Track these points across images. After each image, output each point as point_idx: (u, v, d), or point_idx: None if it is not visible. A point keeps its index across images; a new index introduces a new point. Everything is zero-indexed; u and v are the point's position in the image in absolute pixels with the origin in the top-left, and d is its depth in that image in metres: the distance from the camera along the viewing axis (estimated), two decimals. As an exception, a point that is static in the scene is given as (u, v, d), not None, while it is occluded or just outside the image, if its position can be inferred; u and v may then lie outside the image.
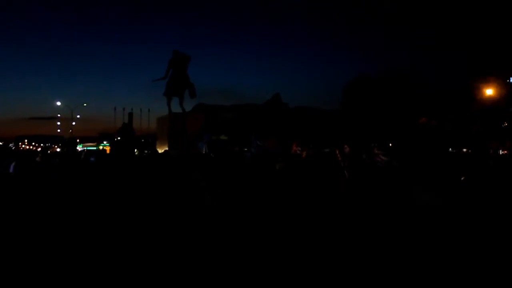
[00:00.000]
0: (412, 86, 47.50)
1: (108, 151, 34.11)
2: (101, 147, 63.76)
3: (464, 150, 44.22)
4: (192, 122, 24.13)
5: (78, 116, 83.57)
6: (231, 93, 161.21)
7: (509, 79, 38.91)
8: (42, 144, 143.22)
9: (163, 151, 17.48)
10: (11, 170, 11.72)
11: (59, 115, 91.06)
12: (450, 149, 45.73)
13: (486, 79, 40.16)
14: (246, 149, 21.54)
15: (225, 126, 53.97)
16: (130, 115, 43.59)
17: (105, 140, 75.58)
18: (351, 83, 56.13)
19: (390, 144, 46.21)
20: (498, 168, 12.28)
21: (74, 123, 75.24)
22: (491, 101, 39.41)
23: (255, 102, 69.01)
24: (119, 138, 29.23)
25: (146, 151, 28.91)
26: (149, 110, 64.36)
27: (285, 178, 11.59)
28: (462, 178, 11.19)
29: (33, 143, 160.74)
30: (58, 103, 71.15)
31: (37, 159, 11.48)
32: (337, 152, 13.47)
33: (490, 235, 6.99)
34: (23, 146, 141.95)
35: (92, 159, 14.30)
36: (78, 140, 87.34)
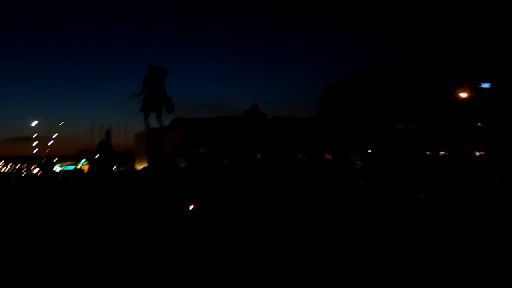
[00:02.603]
0: (389, 88, 47.97)
1: (86, 170, 33.67)
2: (79, 166, 63.02)
3: (442, 153, 44.85)
4: (170, 137, 23.91)
5: (56, 135, 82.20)
6: (208, 105, 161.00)
7: (481, 84, 39.81)
8: (19, 165, 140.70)
9: (141, 168, 17.29)
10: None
11: (35, 135, 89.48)
12: (428, 152, 46.32)
13: (460, 82, 40.94)
14: (226, 162, 21.53)
15: (204, 139, 53.93)
16: (108, 132, 43.09)
17: (83, 158, 74.67)
18: (327, 89, 56.34)
19: (369, 151, 46.66)
20: (474, 171, 12.50)
21: (51, 142, 74.10)
22: (466, 104, 40.15)
23: (234, 114, 69.21)
24: (97, 156, 28.94)
25: (124, 168, 28.65)
26: (126, 126, 63.96)
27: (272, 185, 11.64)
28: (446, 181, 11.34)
29: (10, 164, 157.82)
30: (34, 123, 70.01)
31: (12, 181, 11.27)
32: (317, 160, 13.59)
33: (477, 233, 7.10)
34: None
35: (69, 179, 14.11)
36: (56, 160, 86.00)
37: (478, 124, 40.90)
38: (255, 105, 65.86)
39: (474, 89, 40.53)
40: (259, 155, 15.68)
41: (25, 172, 75.35)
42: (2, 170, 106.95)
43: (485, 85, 39.64)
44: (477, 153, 40.49)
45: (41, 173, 32.60)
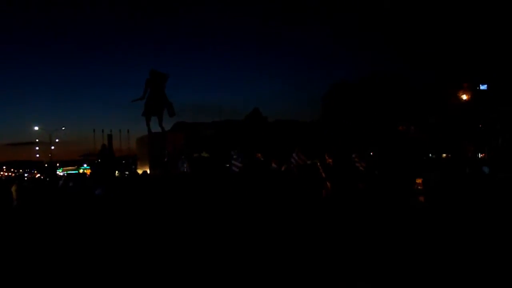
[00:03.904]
0: (390, 91, 48.13)
1: (88, 174, 33.67)
2: (81, 171, 62.99)
3: (444, 155, 44.81)
4: (172, 141, 23.96)
5: (57, 140, 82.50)
6: (210, 109, 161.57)
7: (479, 86, 40.01)
8: (20, 170, 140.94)
9: (142, 172, 17.27)
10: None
11: (37, 140, 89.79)
12: (430, 155, 46.29)
13: (460, 85, 41.05)
14: (228, 165, 21.49)
15: (206, 143, 53.97)
16: (109, 136, 43.23)
17: (85, 163, 74.75)
18: (329, 92, 56.59)
19: (371, 153, 46.62)
20: (475, 174, 12.45)
21: (53, 147, 74.29)
22: (466, 106, 40.24)
23: (235, 118, 69.37)
24: (99, 160, 29.02)
25: (126, 173, 28.62)
26: (128, 131, 63.81)
27: (268, 189, 11.61)
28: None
29: (12, 169, 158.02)
30: (36, 128, 70.31)
31: (13, 188, 11.24)
32: (319, 164, 13.54)
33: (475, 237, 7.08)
34: (1, 173, 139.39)
35: (70, 184, 14.03)
36: (58, 165, 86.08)
37: (480, 125, 40.92)
38: (257, 108, 66.02)
39: (472, 90, 40.68)
40: (261, 159, 15.64)
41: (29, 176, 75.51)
42: (4, 175, 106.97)
43: (483, 87, 39.81)
44: (480, 155, 40.45)
45: (43, 178, 32.69)
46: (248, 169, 15.55)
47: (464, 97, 40.62)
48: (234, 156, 15.62)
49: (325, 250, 6.93)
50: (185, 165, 18.13)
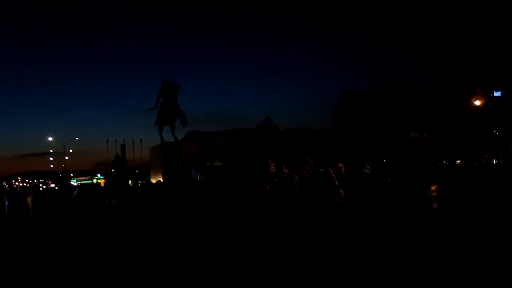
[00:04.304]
0: (402, 98, 47.86)
1: (102, 184, 33.90)
2: (95, 180, 63.32)
3: (458, 161, 44.43)
4: (185, 150, 24.06)
5: (71, 151, 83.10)
6: (222, 118, 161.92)
7: (493, 93, 39.58)
8: (35, 181, 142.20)
9: (156, 181, 17.36)
10: (6, 210, 11.56)
11: (51, 151, 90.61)
12: (443, 161, 45.93)
13: (474, 91, 40.68)
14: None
15: (218, 152, 54.04)
16: (123, 147, 43.49)
17: (98, 173, 75.15)
18: (341, 100, 56.45)
19: (384, 160, 46.38)
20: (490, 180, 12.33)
21: (67, 158, 74.85)
22: (480, 112, 39.88)
23: (247, 126, 69.39)
24: (112, 170, 29.21)
25: (140, 182, 28.77)
26: (141, 140, 63.93)
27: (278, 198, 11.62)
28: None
29: (27, 180, 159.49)
30: (50, 139, 70.89)
31: (28, 199, 11.37)
32: (332, 172, 13.52)
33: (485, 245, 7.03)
34: (16, 183, 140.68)
35: (85, 194, 14.12)
36: (72, 175, 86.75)
37: (494, 131, 40.54)
38: (268, 117, 66.01)
39: (486, 96, 40.29)
40: (274, 167, 15.67)
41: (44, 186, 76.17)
42: (19, 186, 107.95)
43: (497, 93, 39.42)
44: (494, 161, 40.08)
45: (58, 188, 33.01)
46: (252, 176, 15.60)
47: (478, 103, 40.26)
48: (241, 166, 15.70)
49: (335, 255, 6.97)
50: (198, 174, 18.22)
